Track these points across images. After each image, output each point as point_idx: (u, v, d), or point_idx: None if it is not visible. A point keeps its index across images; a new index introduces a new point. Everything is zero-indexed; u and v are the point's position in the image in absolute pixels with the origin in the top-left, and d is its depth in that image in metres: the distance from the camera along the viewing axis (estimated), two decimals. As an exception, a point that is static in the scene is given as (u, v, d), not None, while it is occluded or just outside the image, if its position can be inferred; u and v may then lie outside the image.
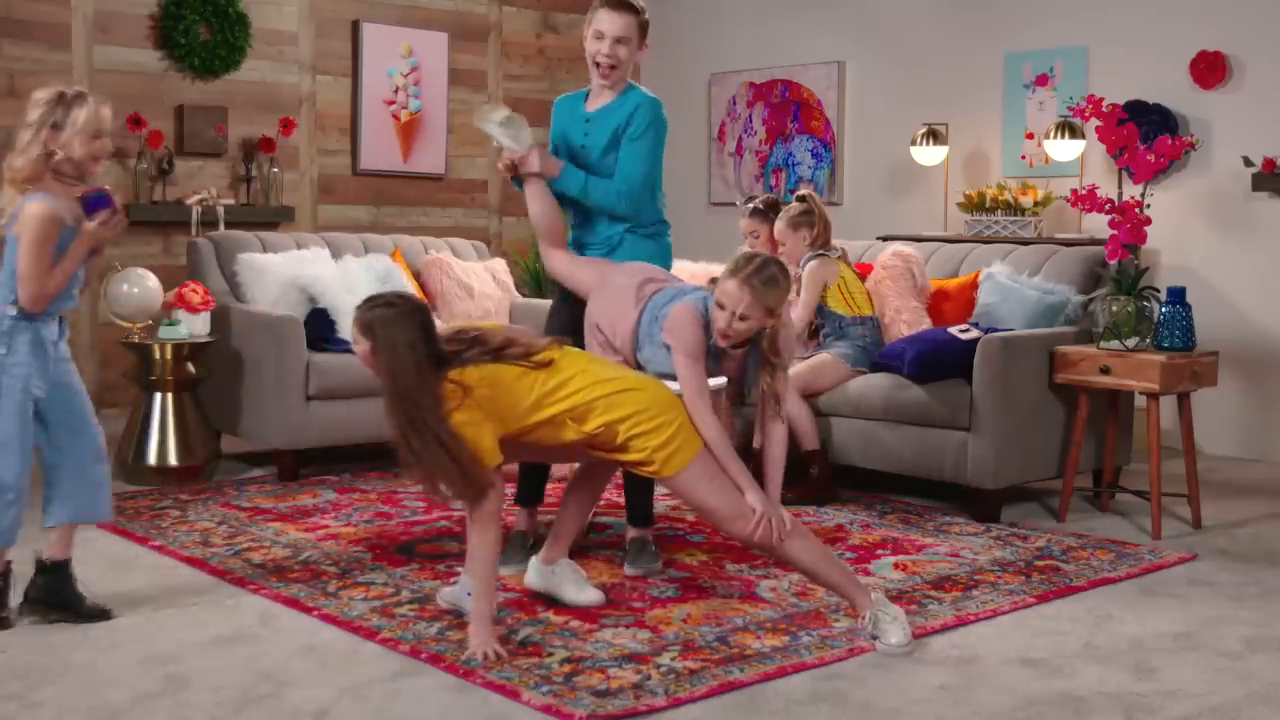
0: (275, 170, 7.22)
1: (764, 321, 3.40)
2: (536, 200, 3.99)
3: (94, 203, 3.42)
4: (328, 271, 5.67)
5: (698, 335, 3.45)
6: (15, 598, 3.51)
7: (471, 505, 3.22)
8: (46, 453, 3.52)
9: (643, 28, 4.00)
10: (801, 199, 5.25)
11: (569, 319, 4.00)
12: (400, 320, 3.17)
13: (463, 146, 8.17)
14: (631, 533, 4.10)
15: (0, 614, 3.45)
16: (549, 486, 4.43)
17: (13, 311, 3.38)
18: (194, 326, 5.36)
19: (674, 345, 3.46)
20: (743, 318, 3.36)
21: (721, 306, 3.38)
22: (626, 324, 3.69)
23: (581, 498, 3.74)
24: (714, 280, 3.53)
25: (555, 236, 4.02)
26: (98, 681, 3.05)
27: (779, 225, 5.24)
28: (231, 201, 7.08)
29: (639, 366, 3.66)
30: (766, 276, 3.37)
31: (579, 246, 4.12)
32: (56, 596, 3.51)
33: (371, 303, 3.24)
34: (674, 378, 3.49)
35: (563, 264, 4.02)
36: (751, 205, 5.52)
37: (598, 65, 3.99)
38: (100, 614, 3.52)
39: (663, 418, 3.29)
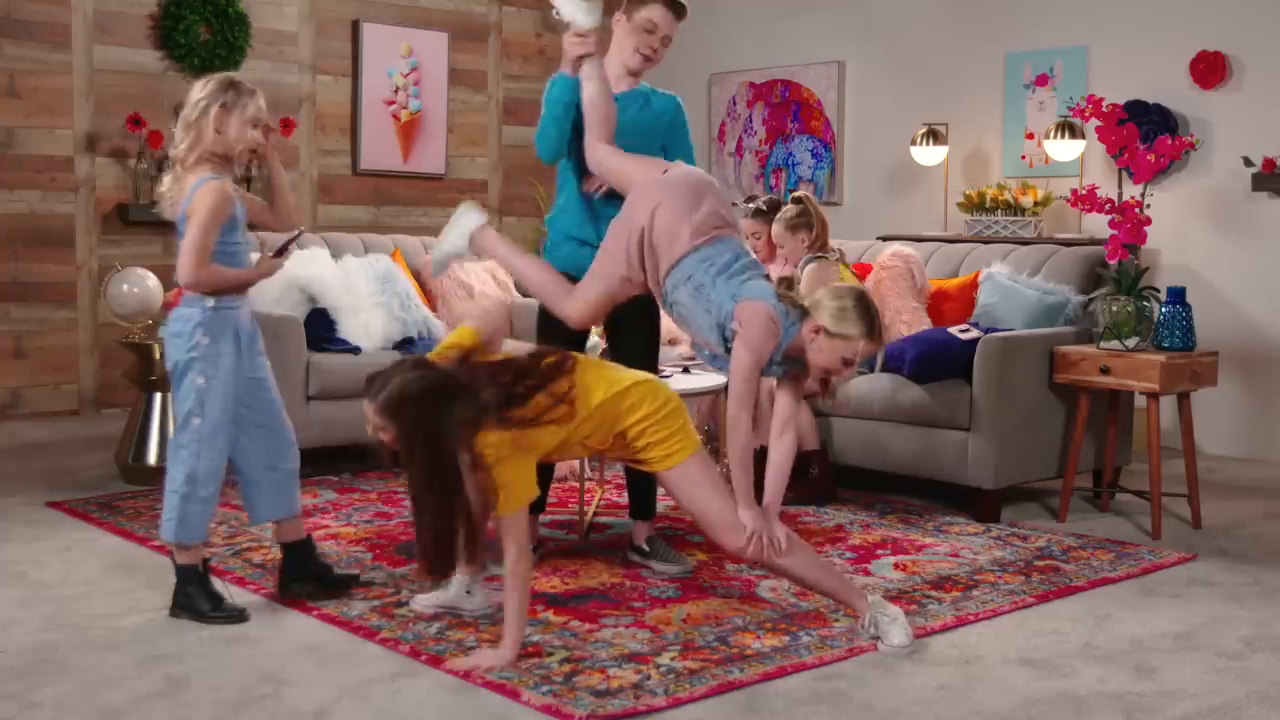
0: (275, 170, 7.23)
1: None
2: (594, 82, 3.68)
3: (284, 247, 3.63)
4: (327, 272, 5.66)
5: (770, 344, 3.32)
6: (228, 592, 3.63)
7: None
8: (243, 450, 3.65)
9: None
10: (797, 200, 5.22)
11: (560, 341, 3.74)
12: (425, 398, 3.00)
13: (463, 146, 8.18)
14: (645, 530, 4.08)
15: (198, 607, 3.51)
16: (551, 488, 4.41)
17: (211, 301, 3.46)
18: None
19: (744, 338, 3.30)
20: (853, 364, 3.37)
21: (848, 363, 3.33)
22: (676, 251, 3.40)
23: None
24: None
25: (607, 125, 3.69)
26: (98, 681, 3.05)
27: (776, 228, 5.20)
28: (231, 201, 7.08)
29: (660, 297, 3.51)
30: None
31: (576, 243, 3.92)
32: (306, 571, 3.71)
33: (384, 382, 3.03)
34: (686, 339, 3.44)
35: (609, 157, 3.66)
36: (754, 206, 5.49)
37: (639, 54, 3.90)
38: (347, 580, 3.75)
39: (668, 407, 3.27)
